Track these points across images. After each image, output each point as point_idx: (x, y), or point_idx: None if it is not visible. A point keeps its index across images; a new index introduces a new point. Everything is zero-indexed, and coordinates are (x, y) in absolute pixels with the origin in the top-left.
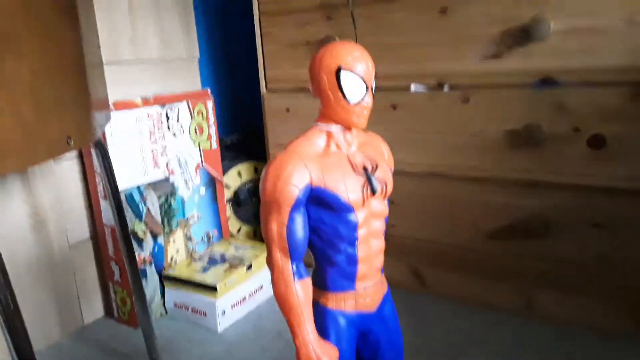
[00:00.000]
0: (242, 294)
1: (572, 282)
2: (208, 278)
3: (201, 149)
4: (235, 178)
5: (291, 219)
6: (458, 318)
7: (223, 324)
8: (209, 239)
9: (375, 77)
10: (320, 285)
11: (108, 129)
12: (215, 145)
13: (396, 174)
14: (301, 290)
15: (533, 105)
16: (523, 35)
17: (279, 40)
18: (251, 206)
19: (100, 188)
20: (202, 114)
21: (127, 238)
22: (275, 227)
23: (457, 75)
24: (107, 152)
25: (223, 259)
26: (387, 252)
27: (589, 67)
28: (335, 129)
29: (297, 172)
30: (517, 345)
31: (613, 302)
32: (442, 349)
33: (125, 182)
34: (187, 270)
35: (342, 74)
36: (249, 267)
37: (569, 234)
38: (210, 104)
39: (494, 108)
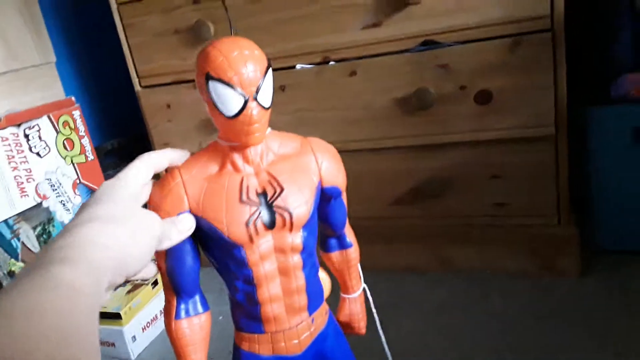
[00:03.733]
0: (152, 313)
1: (476, 234)
2: (109, 305)
3: (75, 164)
4: None
5: (167, 256)
6: (378, 287)
7: (136, 350)
8: None
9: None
10: (235, 323)
11: None
12: (91, 156)
13: None
14: (183, 329)
15: (419, 69)
16: None
17: (144, 32)
18: None
19: None
20: (68, 125)
21: None
22: (158, 259)
23: (340, 48)
24: None
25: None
26: None
27: (468, 24)
28: (233, 144)
29: (171, 197)
30: (437, 302)
31: (515, 246)
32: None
33: None
34: None
35: (210, 83)
36: (155, 283)
37: (469, 189)
38: (77, 113)
39: (381, 77)
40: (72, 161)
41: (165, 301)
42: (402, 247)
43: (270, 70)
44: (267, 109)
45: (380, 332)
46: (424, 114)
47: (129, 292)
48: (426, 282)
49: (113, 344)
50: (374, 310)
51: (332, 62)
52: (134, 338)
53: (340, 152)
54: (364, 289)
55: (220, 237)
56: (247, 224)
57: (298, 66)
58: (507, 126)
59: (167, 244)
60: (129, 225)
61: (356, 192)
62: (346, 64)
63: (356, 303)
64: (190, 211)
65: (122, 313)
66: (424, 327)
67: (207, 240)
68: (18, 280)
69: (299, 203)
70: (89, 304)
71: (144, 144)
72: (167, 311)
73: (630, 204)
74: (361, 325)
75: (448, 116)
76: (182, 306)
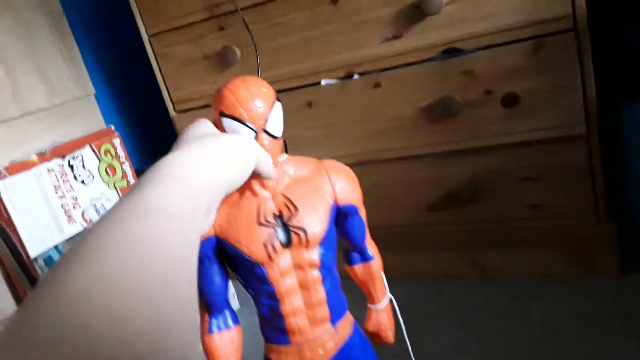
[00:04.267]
0: None
1: (512, 237)
2: None
3: (117, 188)
4: None
5: (199, 273)
6: (413, 294)
7: None
8: None
9: (273, 107)
10: (263, 335)
11: (6, 197)
12: (132, 180)
13: None
14: (215, 343)
15: (442, 77)
16: (416, 11)
17: (175, 60)
18: None
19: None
20: (110, 153)
21: None
22: None
23: (363, 62)
24: (5, 230)
25: None
26: None
27: (488, 29)
28: None
29: None
30: (474, 308)
31: (553, 248)
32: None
33: (39, 246)
34: None
35: (224, 119)
36: None
37: (502, 193)
38: (117, 141)
39: (405, 88)
40: (114, 186)
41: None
42: (438, 254)
43: (278, 103)
44: (278, 138)
45: (407, 342)
46: (451, 121)
47: None
48: (463, 289)
49: None
50: (400, 320)
51: (356, 76)
52: None
53: (369, 163)
54: (390, 300)
55: (242, 257)
56: (265, 244)
57: (323, 82)
58: (536, 128)
59: (265, 169)
60: (223, 143)
61: (389, 201)
62: (370, 76)
63: (383, 313)
64: (215, 235)
65: None
66: (463, 335)
67: (231, 260)
68: (111, 208)
69: (314, 222)
70: (185, 229)
71: None
72: (200, 327)
73: None
74: (389, 335)
75: (476, 121)
76: (214, 321)
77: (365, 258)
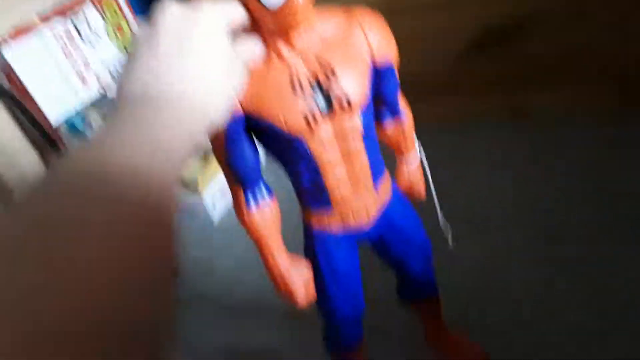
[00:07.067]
0: None
1: (556, 76)
2: (184, 174)
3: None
4: None
5: (228, 153)
6: (451, 140)
7: (217, 214)
8: None
9: None
10: (301, 202)
11: (17, 66)
12: None
13: None
14: (258, 218)
15: None
16: None
17: None
18: None
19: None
20: (115, 12)
21: None
22: (217, 154)
23: None
24: (14, 96)
25: None
26: None
27: None
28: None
29: None
30: (504, 153)
31: (601, 84)
32: (443, 170)
33: (58, 112)
34: None
35: None
36: None
37: (546, 31)
38: None
39: None
40: (125, 48)
41: (233, 197)
42: (476, 98)
43: None
44: None
45: (434, 193)
46: None
47: (202, 158)
48: (499, 132)
49: (194, 211)
50: (425, 163)
51: None
52: (213, 204)
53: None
54: (419, 156)
55: (279, 132)
56: (304, 114)
57: None
58: None
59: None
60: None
61: (423, 46)
62: None
63: (413, 167)
64: (244, 111)
65: (199, 180)
66: (492, 181)
67: (264, 136)
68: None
69: (354, 85)
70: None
71: None
72: (237, 205)
73: None
74: (421, 190)
75: None
76: (250, 195)
77: (395, 112)
